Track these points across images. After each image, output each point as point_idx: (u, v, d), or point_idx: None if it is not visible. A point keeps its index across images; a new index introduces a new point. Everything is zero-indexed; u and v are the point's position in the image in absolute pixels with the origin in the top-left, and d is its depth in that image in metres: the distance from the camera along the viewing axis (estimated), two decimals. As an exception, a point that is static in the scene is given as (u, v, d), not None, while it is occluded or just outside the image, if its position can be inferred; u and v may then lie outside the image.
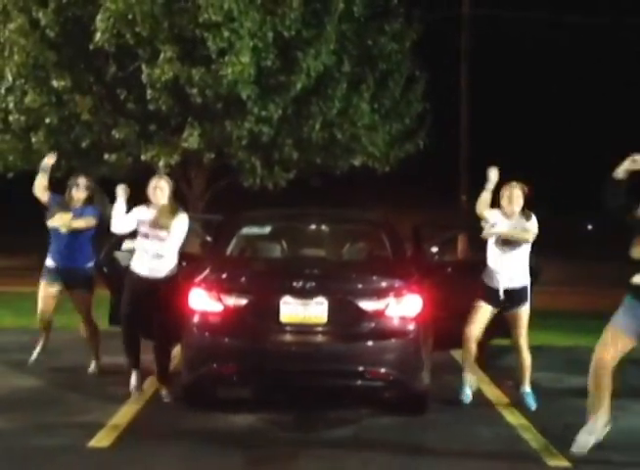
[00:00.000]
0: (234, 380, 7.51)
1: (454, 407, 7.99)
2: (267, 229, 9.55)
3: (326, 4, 15.67)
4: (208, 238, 9.51)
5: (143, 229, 7.83)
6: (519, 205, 7.88)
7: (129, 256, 8.08)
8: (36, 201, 8.92)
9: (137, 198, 8.07)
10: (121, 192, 8.00)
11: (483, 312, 7.94)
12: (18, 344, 10.23)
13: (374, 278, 7.54)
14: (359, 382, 7.28)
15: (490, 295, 7.89)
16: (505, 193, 7.90)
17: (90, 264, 8.81)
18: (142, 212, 7.89)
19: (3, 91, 15.46)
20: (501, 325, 8.12)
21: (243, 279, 7.60)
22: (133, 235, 8.02)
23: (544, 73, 32.19)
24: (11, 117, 15.52)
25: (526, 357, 8.04)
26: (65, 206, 8.70)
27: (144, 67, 14.63)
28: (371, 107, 16.98)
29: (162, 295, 7.77)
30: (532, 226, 7.86)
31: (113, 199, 8.10)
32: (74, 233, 8.64)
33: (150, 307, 7.79)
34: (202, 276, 7.45)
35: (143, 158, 15.42)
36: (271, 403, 7.97)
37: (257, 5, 14.79)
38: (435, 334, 7.63)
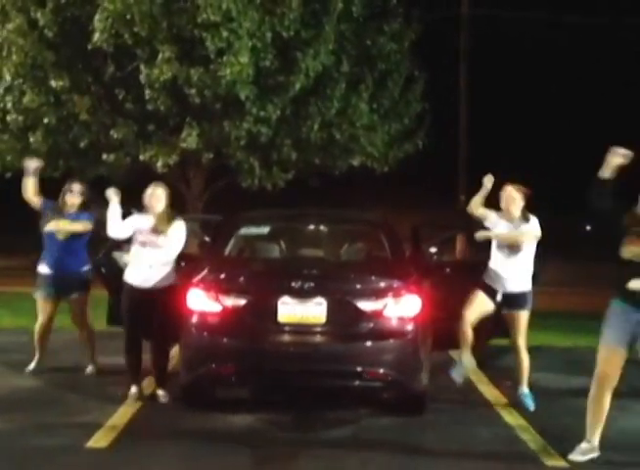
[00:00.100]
0: (232, 380, 7.50)
1: (453, 408, 7.99)
2: (266, 229, 9.54)
3: (325, 4, 15.65)
4: (207, 238, 9.50)
5: (140, 238, 7.79)
6: (517, 208, 7.84)
7: (127, 257, 8.07)
8: (22, 202, 8.91)
9: (136, 199, 8.05)
10: (113, 195, 7.95)
11: (481, 300, 7.91)
12: (17, 344, 10.23)
13: (372, 278, 7.53)
14: (358, 382, 7.28)
15: (490, 292, 7.88)
16: (503, 196, 7.88)
17: (85, 268, 8.81)
18: (138, 221, 7.86)
19: (1, 91, 15.45)
20: (500, 325, 8.11)
21: (241, 279, 7.59)
22: (129, 241, 7.99)
23: (543, 74, 32.19)
24: (9, 117, 15.50)
25: (525, 358, 8.02)
26: (59, 211, 8.68)
27: (142, 67, 14.62)
28: (370, 107, 16.96)
29: (160, 302, 7.76)
30: (531, 228, 7.84)
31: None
32: (70, 239, 8.64)
33: (148, 313, 7.79)
34: (200, 276, 7.44)
35: (141, 158, 15.41)
36: (270, 404, 7.97)
37: (256, 5, 14.78)
38: (434, 334, 7.62)
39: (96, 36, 14.33)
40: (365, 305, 7.21)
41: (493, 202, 8.04)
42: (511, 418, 7.65)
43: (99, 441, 6.67)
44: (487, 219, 7.99)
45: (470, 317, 7.92)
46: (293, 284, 7.26)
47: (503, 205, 7.89)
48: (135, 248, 7.84)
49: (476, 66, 23.91)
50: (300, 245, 9.60)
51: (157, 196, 7.87)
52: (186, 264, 8.36)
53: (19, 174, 8.98)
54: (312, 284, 7.26)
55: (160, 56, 14.38)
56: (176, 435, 6.90)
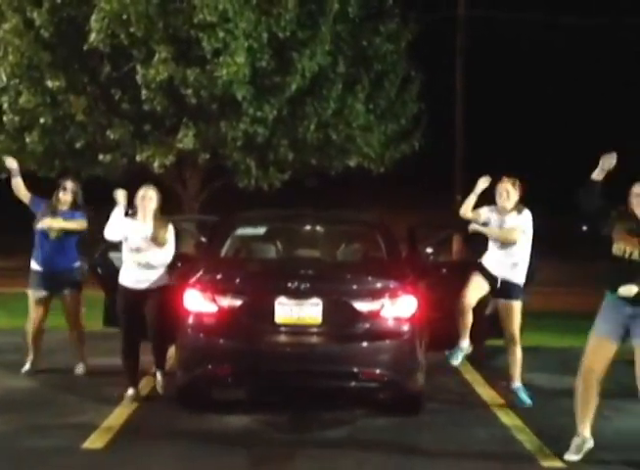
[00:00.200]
0: (229, 381, 7.50)
1: (449, 408, 8.00)
2: (262, 230, 9.55)
3: (321, 5, 15.63)
4: (203, 239, 9.50)
5: (133, 243, 7.79)
6: (511, 201, 7.92)
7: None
8: (20, 202, 8.91)
9: (133, 200, 8.05)
10: (121, 197, 7.93)
11: (478, 282, 7.94)
12: (12, 344, 10.21)
13: (369, 279, 7.54)
14: (354, 383, 7.28)
15: (487, 275, 7.92)
16: (498, 189, 7.95)
17: (76, 265, 8.81)
18: (130, 225, 7.85)
19: (-3, 91, 15.44)
20: (495, 325, 8.13)
21: (237, 280, 7.59)
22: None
23: (540, 74, 32.17)
24: (5, 118, 15.45)
25: (519, 352, 8.06)
26: (52, 210, 8.67)
27: (139, 67, 14.59)
28: (366, 107, 16.95)
29: (155, 302, 7.80)
30: (522, 221, 7.88)
31: (104, 200, 8.06)
32: (62, 237, 8.64)
33: (144, 313, 7.83)
34: (196, 277, 7.44)
35: (138, 158, 15.38)
36: (266, 404, 7.97)
37: (252, 5, 14.75)
38: (430, 335, 7.63)
39: (92, 36, 14.30)
40: (361, 306, 7.21)
41: (489, 197, 8.07)
42: (507, 419, 7.66)
43: (94, 442, 6.66)
44: (480, 219, 8.04)
45: (470, 300, 7.94)
46: (289, 285, 7.26)
47: (497, 197, 7.95)
48: (128, 251, 7.83)
49: (472, 66, 23.91)
50: (297, 245, 9.60)
51: (148, 198, 7.88)
52: (182, 265, 8.36)
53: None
54: (309, 285, 7.26)
55: (156, 56, 14.35)
56: (172, 435, 6.90)
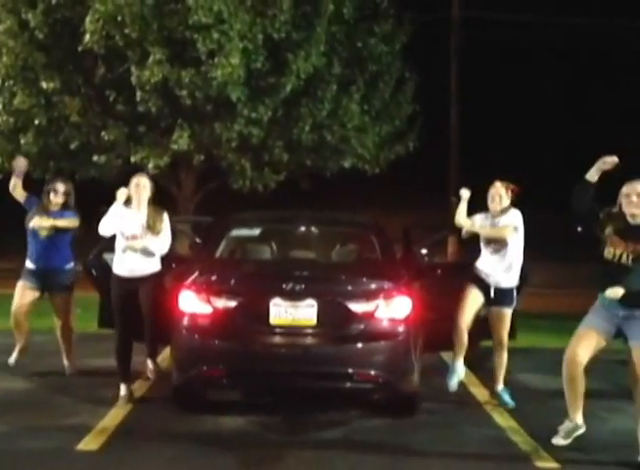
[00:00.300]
0: (224, 382, 7.49)
1: (443, 409, 8.00)
2: (257, 231, 9.54)
3: (316, 6, 15.66)
4: (198, 240, 9.49)
5: (128, 231, 7.80)
6: (503, 205, 7.93)
7: None
8: (14, 202, 8.90)
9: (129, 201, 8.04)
10: (122, 195, 7.91)
11: (475, 299, 7.95)
12: (5, 346, 10.17)
13: (364, 280, 7.54)
14: (349, 384, 7.26)
15: (481, 282, 7.93)
16: (490, 193, 7.97)
17: (69, 266, 8.80)
18: (124, 213, 7.86)
19: (-8, 92, 15.43)
20: (489, 327, 8.14)
21: (232, 281, 7.59)
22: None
23: (535, 75, 32.16)
24: (-1, 119, 15.48)
25: (504, 356, 8.12)
26: (43, 210, 8.66)
27: (133, 68, 14.60)
28: (361, 108, 16.98)
29: (149, 291, 7.81)
30: (511, 220, 7.90)
31: (100, 202, 8.05)
32: (52, 236, 8.63)
33: (137, 301, 7.83)
34: (191, 278, 7.43)
35: (132, 159, 15.39)
36: (261, 406, 7.97)
37: (247, 7, 14.78)
38: (425, 336, 7.63)
39: (87, 38, 14.31)
40: (356, 307, 7.21)
41: (483, 200, 8.10)
42: (502, 419, 7.67)
43: (89, 443, 6.65)
44: (475, 227, 8.06)
45: (466, 321, 7.97)
46: (284, 286, 7.25)
47: (490, 201, 7.97)
48: (123, 240, 7.84)
49: (466, 67, 23.93)
50: (292, 247, 9.59)
51: (142, 186, 7.89)
52: (177, 266, 8.36)
53: (9, 176, 8.95)
54: (304, 286, 7.26)
55: (150, 57, 14.36)
56: (167, 437, 6.90)
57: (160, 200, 8.18)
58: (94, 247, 8.63)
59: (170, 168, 16.82)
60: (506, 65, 31.00)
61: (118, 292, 7.90)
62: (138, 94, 14.71)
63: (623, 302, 6.26)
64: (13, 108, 15.22)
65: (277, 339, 7.30)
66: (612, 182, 6.66)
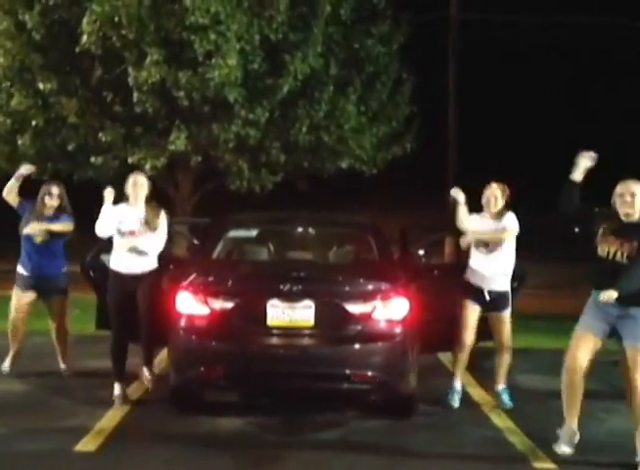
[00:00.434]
0: (221, 383, 7.50)
1: (441, 410, 8.01)
2: (254, 232, 9.54)
3: (313, 7, 15.64)
4: (195, 241, 9.49)
5: (125, 227, 7.81)
6: (497, 206, 7.94)
7: None
8: (7, 205, 8.89)
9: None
10: (109, 195, 7.93)
11: (473, 313, 7.97)
12: (3, 347, 10.17)
13: (361, 281, 7.53)
14: (346, 385, 7.26)
15: (476, 294, 7.93)
16: (486, 194, 7.97)
17: (63, 270, 8.82)
18: (123, 211, 7.88)
19: (-11, 93, 15.41)
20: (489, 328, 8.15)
21: (230, 282, 7.58)
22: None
23: (532, 76, 32.20)
24: (-4, 120, 15.46)
25: (507, 357, 8.14)
26: (37, 215, 8.65)
27: (130, 69, 14.58)
28: (358, 109, 16.95)
29: (147, 290, 7.82)
30: (507, 223, 7.91)
31: (98, 203, 8.05)
32: (47, 241, 8.63)
33: (134, 297, 7.83)
34: (188, 279, 7.43)
35: (130, 160, 15.35)
36: (258, 407, 7.98)
37: (244, 8, 14.76)
38: (423, 337, 7.63)
39: (84, 39, 14.28)
40: (353, 308, 7.21)
41: (477, 200, 8.11)
42: (499, 420, 7.68)
43: (87, 444, 6.66)
44: (476, 232, 8.05)
45: (469, 339, 8.02)
46: (281, 287, 7.25)
47: (484, 201, 7.97)
48: (120, 237, 7.84)
49: (464, 68, 23.92)
50: (289, 247, 9.60)
51: (140, 184, 7.91)
52: (175, 267, 8.37)
53: (8, 177, 8.94)
54: (301, 287, 7.26)
55: (148, 58, 14.34)
56: (165, 438, 6.90)
57: (158, 201, 8.17)
58: (92, 248, 8.62)
59: (168, 169, 16.81)
60: (504, 65, 31.05)
61: (115, 291, 7.90)
62: (135, 95, 14.70)
63: (618, 300, 6.27)
64: (10, 109, 15.19)
65: (274, 340, 7.30)
66: (608, 181, 6.68)
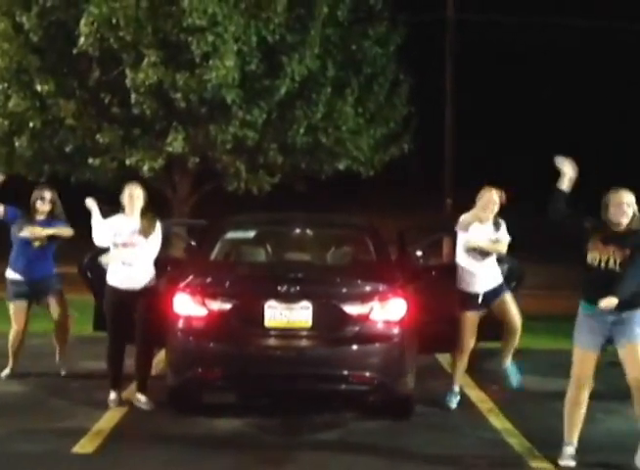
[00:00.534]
0: (219, 384, 7.50)
1: (439, 411, 8.00)
2: (252, 234, 9.53)
3: (310, 9, 15.67)
4: (193, 242, 9.49)
5: (120, 239, 7.77)
6: (493, 211, 7.93)
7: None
8: None
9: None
10: (92, 204, 7.90)
11: (472, 320, 7.98)
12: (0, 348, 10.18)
13: (358, 282, 7.54)
14: (344, 386, 7.27)
15: (472, 300, 7.93)
16: (483, 198, 7.92)
17: (54, 271, 8.85)
18: (117, 223, 7.85)
19: (-14, 95, 15.41)
20: (491, 328, 8.13)
21: (227, 284, 7.59)
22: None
23: (530, 76, 32.18)
24: (-6, 122, 15.47)
25: (516, 338, 8.08)
26: (29, 219, 8.64)
27: (128, 71, 14.59)
28: (355, 111, 16.97)
29: (144, 304, 7.78)
30: (504, 236, 7.98)
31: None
32: (45, 245, 8.64)
33: (131, 313, 7.79)
34: (186, 281, 7.43)
35: (127, 162, 15.37)
36: (256, 408, 7.97)
37: (242, 9, 14.78)
38: (421, 337, 7.63)
39: (81, 41, 14.31)
40: (351, 309, 7.21)
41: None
42: (497, 421, 7.67)
43: (85, 446, 6.65)
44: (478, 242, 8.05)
45: (470, 345, 8.02)
46: (279, 288, 7.25)
47: (482, 205, 7.91)
48: (115, 249, 7.82)
49: (461, 68, 23.91)
50: (287, 249, 9.59)
51: (136, 196, 7.88)
52: (172, 269, 8.36)
53: (6, 179, 8.93)
54: (298, 288, 7.26)
55: (145, 60, 14.35)
56: (163, 439, 6.89)
57: (155, 203, 8.16)
58: (89, 250, 8.61)
59: (165, 171, 16.82)
60: (500, 66, 31.05)
61: (112, 301, 7.88)
62: (133, 97, 14.72)
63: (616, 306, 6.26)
64: (7, 110, 15.20)
65: (272, 341, 7.30)
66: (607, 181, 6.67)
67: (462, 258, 8.01)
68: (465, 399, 8.38)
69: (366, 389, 7.45)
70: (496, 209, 7.94)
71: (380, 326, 7.24)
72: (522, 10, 25.06)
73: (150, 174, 15.39)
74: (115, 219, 7.87)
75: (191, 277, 7.49)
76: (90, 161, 15.61)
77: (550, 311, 14.33)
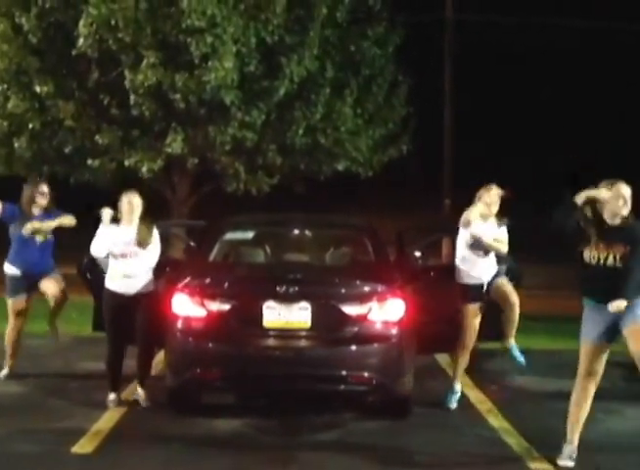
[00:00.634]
0: (218, 385, 7.51)
1: (437, 411, 8.00)
2: (251, 234, 9.55)
3: (309, 10, 15.67)
4: (192, 243, 9.50)
5: (118, 249, 7.76)
6: (495, 208, 7.95)
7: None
8: None
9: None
10: (107, 217, 7.87)
11: (474, 313, 7.97)
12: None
13: (357, 283, 7.55)
14: (343, 386, 7.28)
15: (474, 292, 7.94)
16: (484, 195, 7.94)
17: (53, 263, 8.86)
18: (114, 233, 7.83)
19: (-15, 97, 15.41)
20: (491, 328, 8.13)
21: (226, 284, 7.59)
22: None
23: (528, 77, 32.19)
24: (-7, 123, 15.46)
25: (516, 315, 8.08)
26: (27, 214, 8.64)
27: (127, 72, 14.58)
28: (354, 112, 16.96)
29: (144, 304, 7.78)
30: (505, 236, 8.03)
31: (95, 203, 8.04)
32: (47, 239, 8.66)
33: (130, 319, 7.79)
34: (185, 281, 7.44)
35: (126, 163, 15.36)
36: (255, 408, 7.98)
37: (241, 10, 14.78)
38: (419, 338, 7.63)
39: (80, 42, 14.31)
40: (350, 310, 7.22)
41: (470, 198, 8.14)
42: (496, 421, 7.68)
43: (84, 446, 6.65)
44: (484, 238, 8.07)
45: (472, 341, 8.02)
46: (278, 289, 7.26)
47: (486, 200, 7.92)
48: (113, 259, 7.81)
49: (460, 69, 23.92)
50: (285, 249, 9.60)
51: (135, 205, 7.86)
52: (171, 270, 8.36)
53: (3, 181, 8.94)
54: (297, 288, 7.27)
55: (144, 61, 14.35)
56: (161, 439, 6.90)
57: (154, 204, 8.16)
58: (88, 250, 8.61)
59: (164, 172, 16.82)
60: (499, 67, 31.05)
61: (111, 305, 7.88)
62: (132, 98, 14.71)
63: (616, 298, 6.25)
64: (6, 112, 15.19)
65: (271, 341, 7.31)
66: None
67: (463, 254, 8.03)
68: (464, 400, 8.38)
69: (365, 389, 7.45)
70: (497, 207, 7.96)
71: (378, 327, 7.25)
72: (520, 10, 25.07)
73: (149, 175, 15.39)
74: (112, 229, 7.84)
75: (190, 278, 7.50)
76: (89, 162, 15.61)
77: (549, 312, 14.35)
